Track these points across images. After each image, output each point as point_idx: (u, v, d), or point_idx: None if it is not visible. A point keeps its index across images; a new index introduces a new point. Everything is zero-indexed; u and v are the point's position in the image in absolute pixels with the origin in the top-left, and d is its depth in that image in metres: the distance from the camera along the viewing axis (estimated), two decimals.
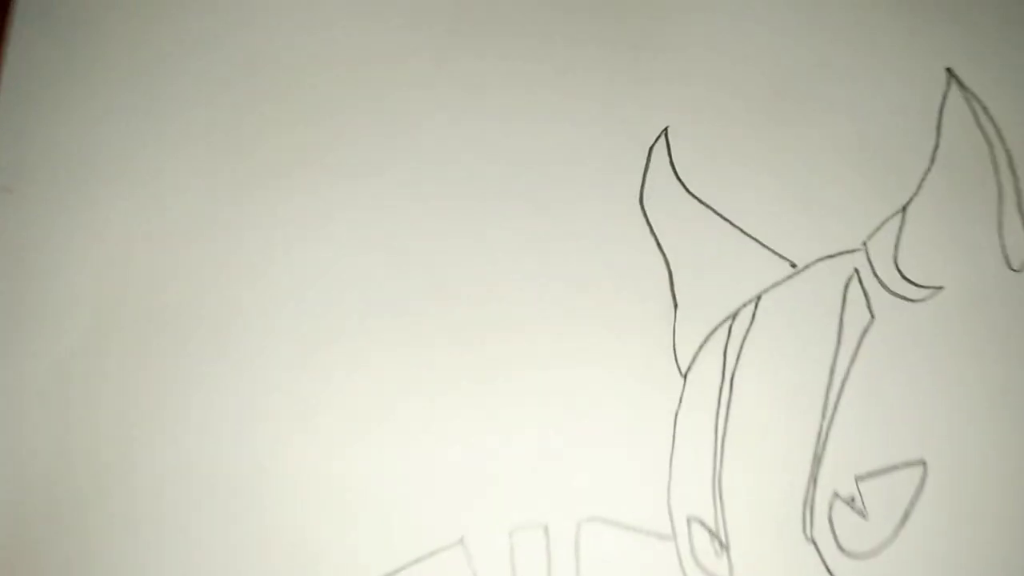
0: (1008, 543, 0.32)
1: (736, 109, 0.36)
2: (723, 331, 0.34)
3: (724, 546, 0.32)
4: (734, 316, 0.34)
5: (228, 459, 0.33)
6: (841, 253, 0.35)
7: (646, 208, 0.35)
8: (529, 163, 0.36)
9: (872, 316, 0.34)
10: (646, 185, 0.36)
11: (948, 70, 0.37)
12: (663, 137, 0.36)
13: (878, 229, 0.35)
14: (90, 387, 0.33)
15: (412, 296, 0.34)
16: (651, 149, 0.36)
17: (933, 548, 0.32)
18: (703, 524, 0.32)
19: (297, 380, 0.34)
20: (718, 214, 0.35)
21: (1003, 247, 0.35)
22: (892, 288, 0.35)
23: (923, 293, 0.35)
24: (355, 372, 0.34)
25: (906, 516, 0.33)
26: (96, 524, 0.32)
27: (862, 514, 0.32)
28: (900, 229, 0.35)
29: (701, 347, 0.34)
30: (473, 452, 0.33)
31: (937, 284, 0.35)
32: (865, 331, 0.34)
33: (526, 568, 0.32)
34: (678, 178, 0.36)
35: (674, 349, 0.34)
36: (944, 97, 0.37)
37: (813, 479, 0.33)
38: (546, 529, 0.33)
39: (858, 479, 0.33)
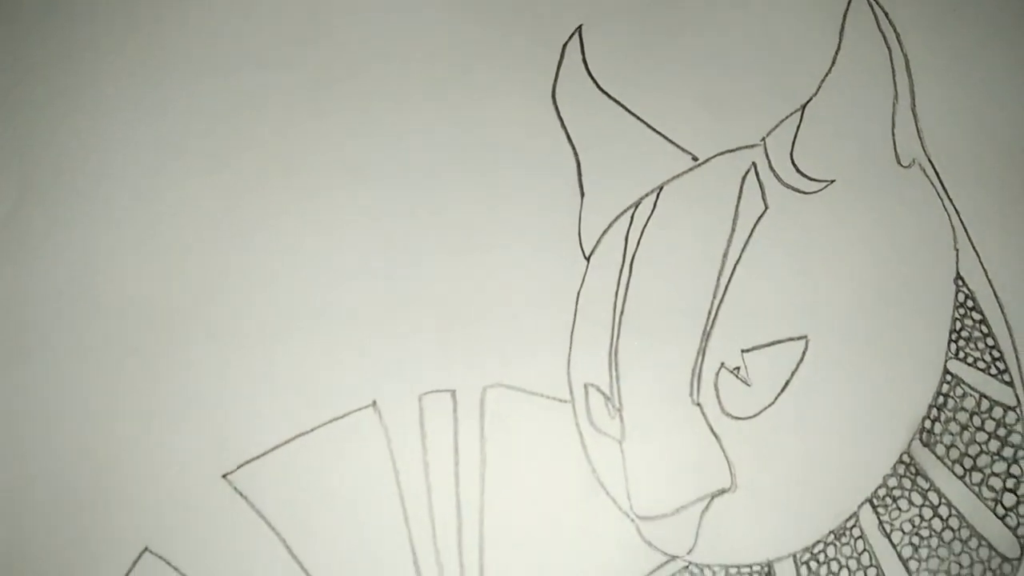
0: (874, 411, 0.36)
1: (646, 10, 0.39)
2: (626, 218, 0.37)
3: (617, 409, 0.35)
4: (637, 205, 0.37)
5: None
6: (740, 148, 0.38)
7: (558, 103, 0.38)
8: (448, 59, 0.39)
9: (766, 206, 0.37)
10: (559, 81, 0.38)
11: None
12: (577, 35, 0.39)
13: (777, 126, 0.38)
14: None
15: (329, 178, 0.37)
16: (564, 46, 0.39)
17: (807, 412, 0.35)
18: (599, 389, 0.36)
19: None
20: (626, 109, 0.38)
21: (895, 145, 0.38)
22: (786, 181, 0.37)
23: (815, 186, 0.37)
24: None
25: (786, 385, 0.36)
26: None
27: (745, 382, 0.35)
28: (798, 127, 0.38)
29: (604, 232, 0.37)
30: (385, 322, 0.36)
31: (829, 178, 0.37)
32: (759, 220, 0.37)
33: (435, 429, 0.36)
34: (590, 75, 0.38)
35: (579, 234, 0.37)
36: (848, 2, 0.39)
37: (702, 351, 0.36)
38: (453, 394, 0.36)
39: (744, 352, 0.36)
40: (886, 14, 0.39)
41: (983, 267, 0.37)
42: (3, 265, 0.37)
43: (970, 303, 0.37)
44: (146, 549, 0.34)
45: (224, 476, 0.35)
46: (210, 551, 0.35)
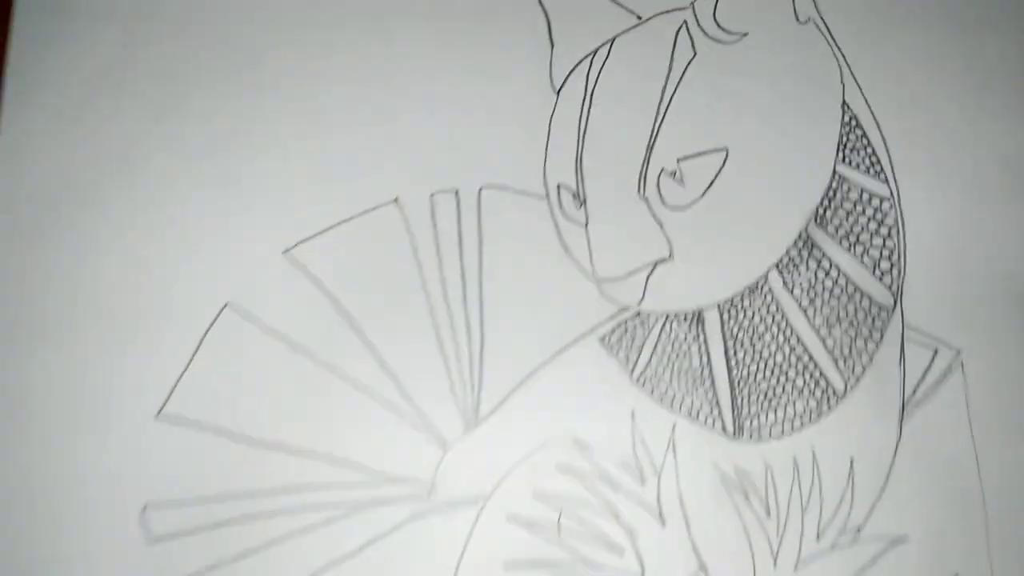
0: (782, 202, 0.46)
1: None
2: (587, 62, 0.48)
3: (582, 202, 0.46)
4: (595, 52, 0.48)
5: None
6: (674, 9, 0.49)
7: None
8: None
9: (695, 52, 0.48)
10: None
11: None
12: None
13: None
14: None
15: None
16: None
17: (726, 201, 0.46)
18: (568, 188, 0.46)
19: None
20: None
21: (794, 6, 0.49)
22: (710, 34, 0.48)
23: (733, 38, 0.48)
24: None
25: (710, 185, 0.46)
26: None
27: (680, 183, 0.46)
28: None
29: (571, 72, 0.48)
30: (405, 133, 0.47)
31: (743, 31, 0.48)
32: (689, 63, 0.48)
33: (443, 220, 0.46)
34: None
35: (551, 74, 0.48)
36: None
37: (647, 160, 0.46)
38: (456, 192, 0.46)
39: (680, 160, 0.46)
40: None
41: (863, 95, 0.48)
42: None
43: (854, 122, 0.48)
44: (226, 305, 0.45)
45: (284, 252, 0.45)
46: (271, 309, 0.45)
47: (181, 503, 0.41)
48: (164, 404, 0.42)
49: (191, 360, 0.42)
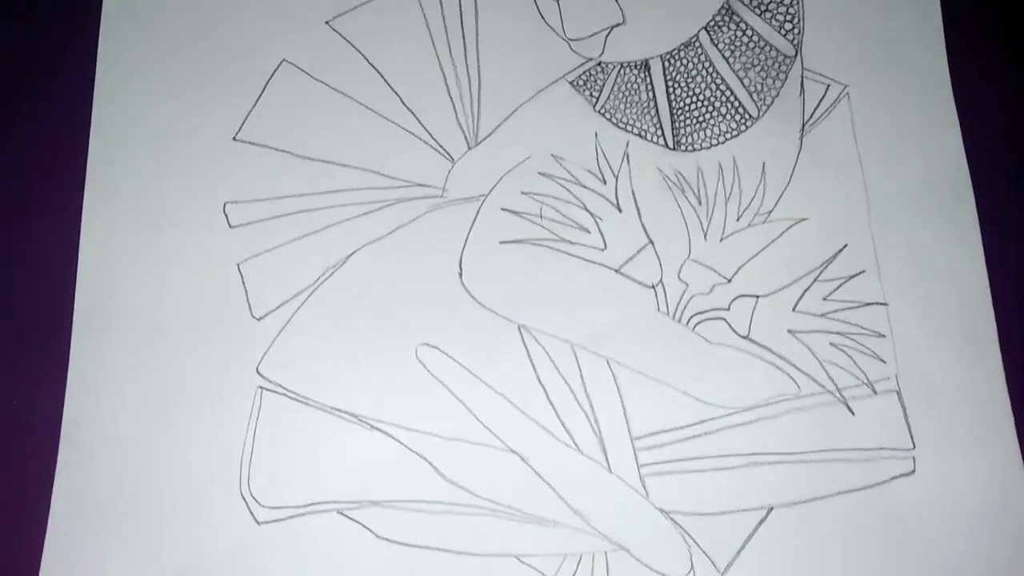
0: None
1: None
2: None
3: None
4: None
5: None
6: None
7: None
8: None
9: None
10: None
11: None
12: None
13: None
14: None
15: None
16: None
17: None
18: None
19: None
20: None
21: None
22: None
23: None
24: None
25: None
26: None
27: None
28: None
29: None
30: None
31: None
32: None
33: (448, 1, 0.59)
34: None
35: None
36: None
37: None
38: None
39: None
40: None
41: None
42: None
43: None
44: (283, 60, 0.58)
45: (326, 22, 0.59)
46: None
47: (259, 199, 0.54)
48: (240, 129, 0.55)
49: (262, 91, 0.56)
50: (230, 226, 0.53)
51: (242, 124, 0.55)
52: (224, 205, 0.54)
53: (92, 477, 0.49)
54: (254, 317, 0.52)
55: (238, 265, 0.53)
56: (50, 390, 0.50)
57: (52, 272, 0.52)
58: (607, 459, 0.50)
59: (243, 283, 0.52)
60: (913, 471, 0.50)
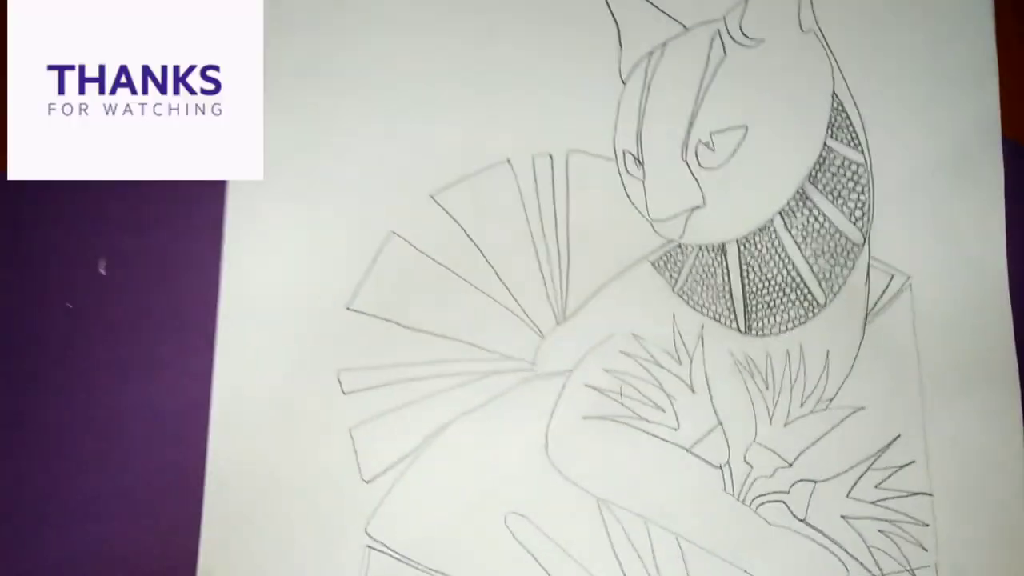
0: (784, 167, 0.64)
1: None
2: (646, 59, 0.65)
3: (641, 164, 0.64)
4: (651, 52, 0.65)
5: None
6: (711, 21, 0.65)
7: None
8: None
9: (725, 53, 0.65)
10: None
11: None
12: None
13: (732, 9, 0.65)
14: None
15: None
16: None
17: (748, 165, 0.64)
18: (631, 153, 0.64)
19: None
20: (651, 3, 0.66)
21: (799, 19, 0.65)
22: (737, 40, 0.64)
23: (754, 43, 0.64)
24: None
25: (733, 152, 0.64)
26: None
27: (712, 150, 0.64)
28: (743, 11, 0.65)
29: (634, 67, 0.65)
30: (511, 110, 0.65)
31: (761, 38, 0.65)
32: (721, 61, 0.64)
33: (541, 176, 0.64)
34: None
35: (619, 68, 0.65)
36: None
37: (688, 133, 0.64)
38: (550, 155, 0.64)
39: (712, 133, 0.64)
40: None
41: (847, 86, 0.65)
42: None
43: (840, 107, 0.64)
44: (392, 232, 0.64)
45: (430, 195, 0.64)
46: None
47: (369, 368, 0.61)
48: (353, 299, 0.61)
49: (372, 264, 0.61)
50: (343, 392, 0.59)
51: (355, 294, 0.61)
52: (338, 372, 0.60)
53: None
54: (364, 480, 0.59)
55: (350, 430, 0.59)
56: (188, 539, 0.57)
57: (183, 432, 0.59)
58: None
59: (354, 447, 0.59)
60: None
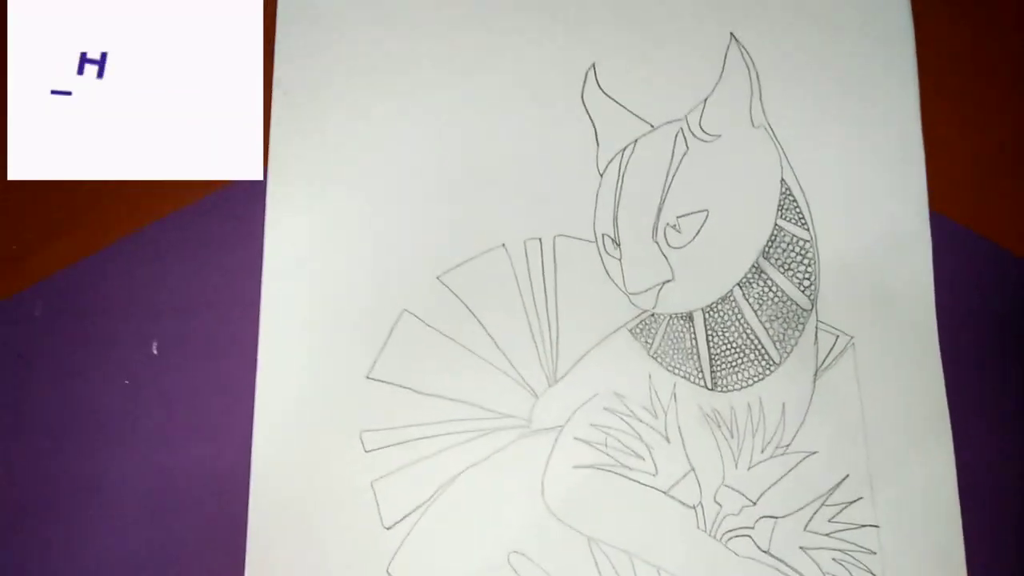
0: (736, 246, 0.74)
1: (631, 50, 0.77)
2: (620, 154, 0.75)
3: (618, 245, 0.74)
4: (624, 148, 0.75)
5: None
6: (674, 120, 0.75)
7: (585, 102, 0.77)
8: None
9: (687, 148, 0.74)
10: (586, 85, 0.77)
11: None
12: (592, 70, 0.77)
13: (692, 109, 0.75)
14: None
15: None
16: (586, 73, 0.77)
17: (708, 249, 0.74)
18: (609, 236, 0.74)
19: None
20: (621, 106, 0.77)
21: (751, 117, 0.76)
22: (697, 135, 0.73)
23: (712, 138, 0.74)
24: None
25: (696, 233, 0.74)
26: None
27: (679, 232, 0.74)
28: (702, 111, 0.75)
29: (610, 161, 0.75)
30: (504, 202, 0.75)
31: (718, 134, 0.75)
32: (684, 154, 0.73)
33: (532, 257, 0.74)
34: (600, 89, 0.77)
35: (597, 162, 0.75)
36: (727, 46, 0.78)
37: (658, 217, 0.74)
38: (540, 239, 0.73)
39: (678, 217, 0.74)
40: (749, 55, 0.77)
41: (793, 172, 0.74)
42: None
43: (787, 190, 0.73)
44: (404, 310, 0.73)
45: (437, 277, 0.74)
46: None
47: (387, 428, 0.70)
48: (371, 369, 0.71)
49: (388, 337, 0.71)
50: (365, 451, 0.69)
51: (373, 364, 0.70)
52: (361, 433, 0.69)
53: None
54: (384, 527, 0.68)
55: (372, 483, 0.68)
56: None
57: (226, 487, 0.68)
58: None
59: (375, 498, 0.68)
60: None
